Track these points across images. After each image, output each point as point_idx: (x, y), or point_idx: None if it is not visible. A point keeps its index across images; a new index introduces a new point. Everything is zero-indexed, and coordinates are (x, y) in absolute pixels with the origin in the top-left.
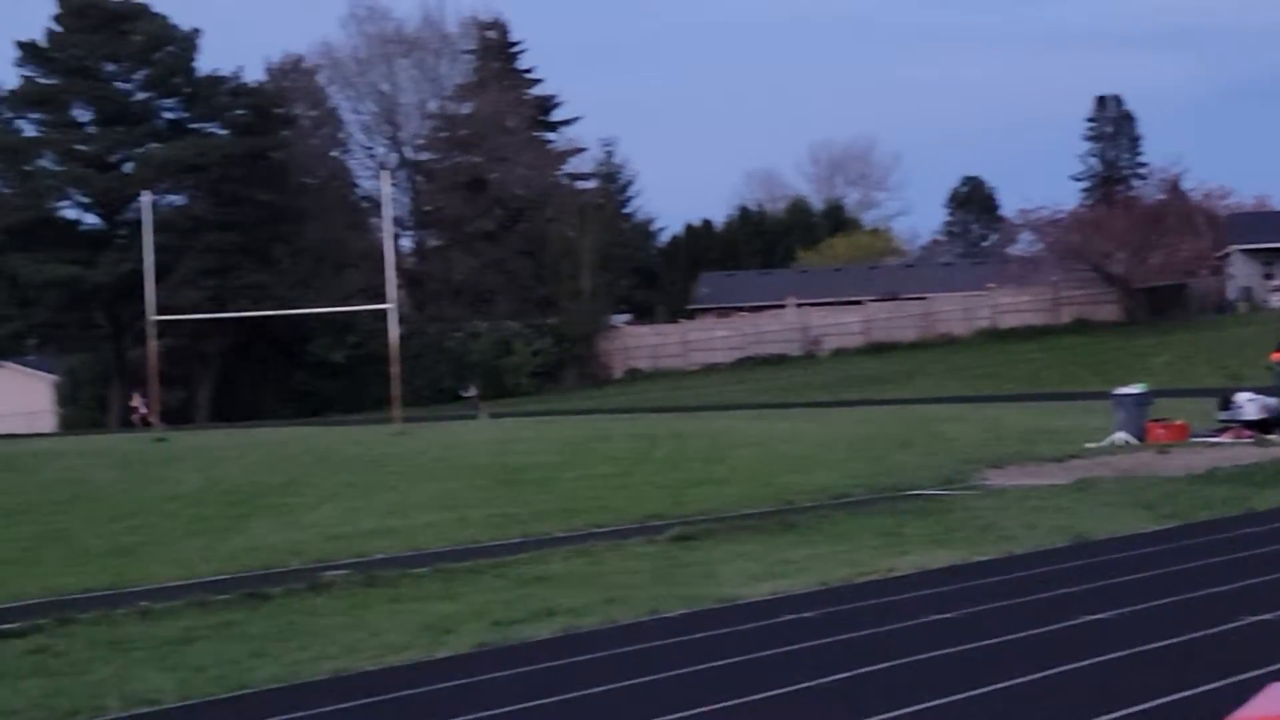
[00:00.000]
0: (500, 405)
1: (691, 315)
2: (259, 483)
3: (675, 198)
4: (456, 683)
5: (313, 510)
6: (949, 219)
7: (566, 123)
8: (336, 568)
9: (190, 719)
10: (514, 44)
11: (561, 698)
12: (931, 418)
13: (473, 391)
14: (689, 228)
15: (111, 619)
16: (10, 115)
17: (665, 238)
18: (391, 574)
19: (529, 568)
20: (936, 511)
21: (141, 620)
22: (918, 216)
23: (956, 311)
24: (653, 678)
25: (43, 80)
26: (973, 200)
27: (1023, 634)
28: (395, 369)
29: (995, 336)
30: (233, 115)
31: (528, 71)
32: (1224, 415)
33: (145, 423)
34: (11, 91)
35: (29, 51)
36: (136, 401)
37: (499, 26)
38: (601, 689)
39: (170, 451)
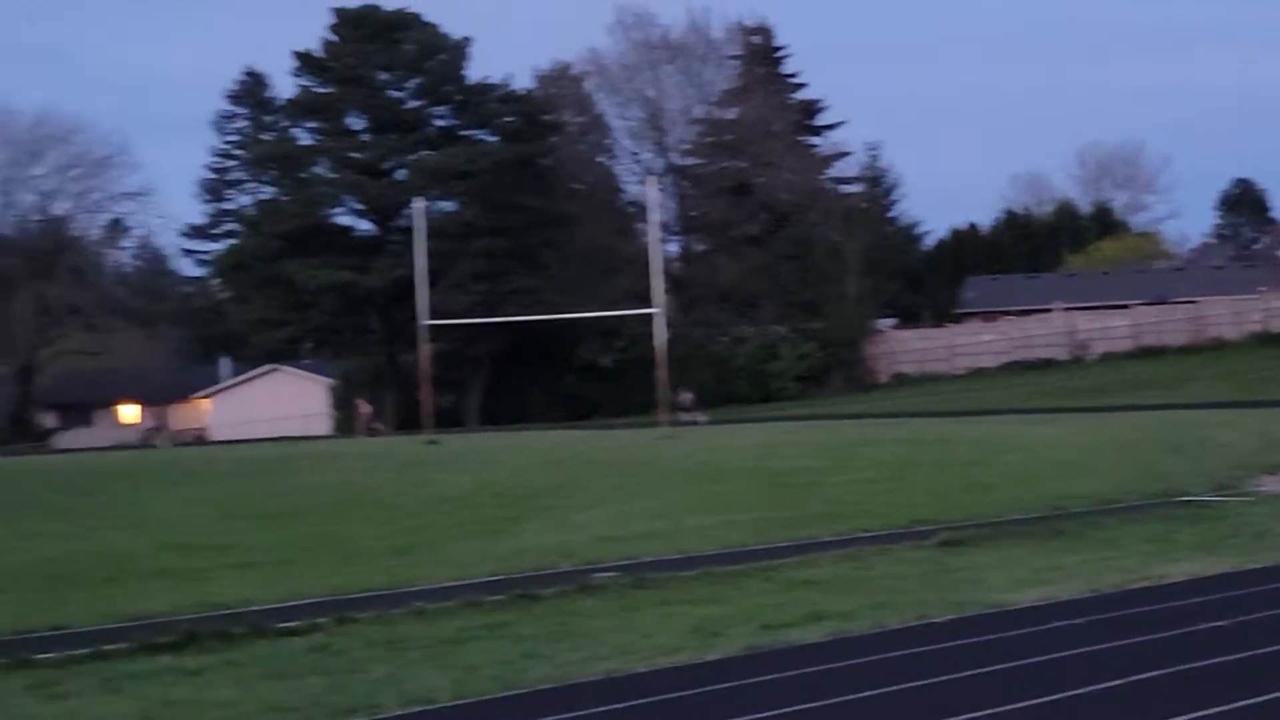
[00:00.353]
0: (765, 410)
1: (957, 319)
2: (529, 485)
3: (941, 201)
4: (726, 685)
5: (582, 513)
6: (1219, 222)
7: (831, 127)
8: (606, 570)
9: (465, 718)
10: (779, 49)
11: (830, 701)
12: (1202, 423)
13: (687, 397)
14: (955, 232)
15: (388, 619)
16: (287, 124)
17: (931, 242)
18: (660, 576)
19: (796, 571)
20: (1208, 518)
21: (417, 620)
22: (1187, 219)
23: (1227, 315)
24: (921, 683)
25: (318, 90)
26: (1244, 203)
27: None
28: (662, 373)
29: (1267, 341)
30: (502, 122)
31: (792, 76)
32: None
33: (372, 431)
34: (289, 101)
35: (306, 61)
36: (363, 409)
37: (764, 32)
38: (870, 693)
39: (442, 454)
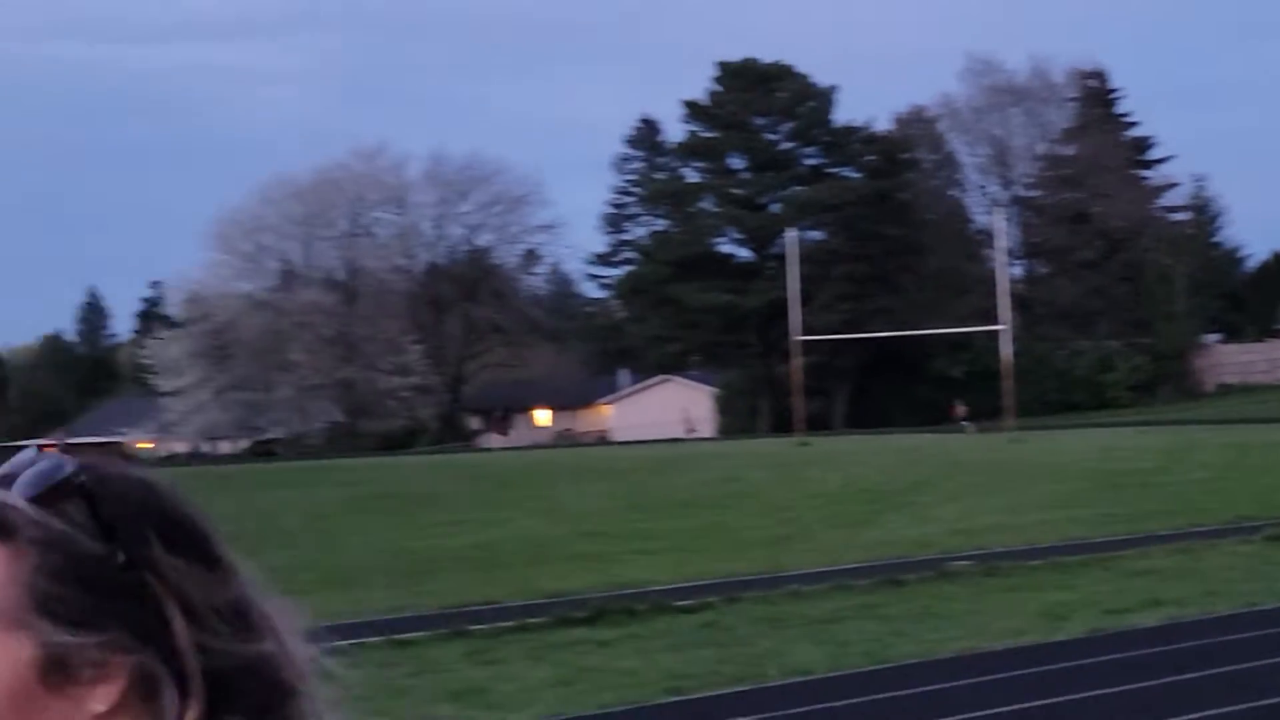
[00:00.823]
0: (1100, 416)
1: (1277, 335)
2: (890, 482)
3: (1262, 227)
4: (1071, 664)
5: (938, 507)
6: None
7: (1161, 161)
8: (960, 559)
9: (838, 688)
10: (1113, 90)
11: (1166, 680)
12: None
13: (963, 410)
14: (1275, 254)
15: (769, 599)
16: (677, 165)
17: (1253, 264)
18: (1008, 565)
19: (1133, 562)
20: None
21: (794, 600)
22: None
23: None
24: (1251, 665)
25: (704, 134)
26: None
27: None
28: (1008, 383)
29: None
30: (865, 161)
31: (1125, 116)
32: None
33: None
34: (679, 144)
35: (693, 110)
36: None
37: (1099, 75)
38: (1203, 674)
39: (812, 455)
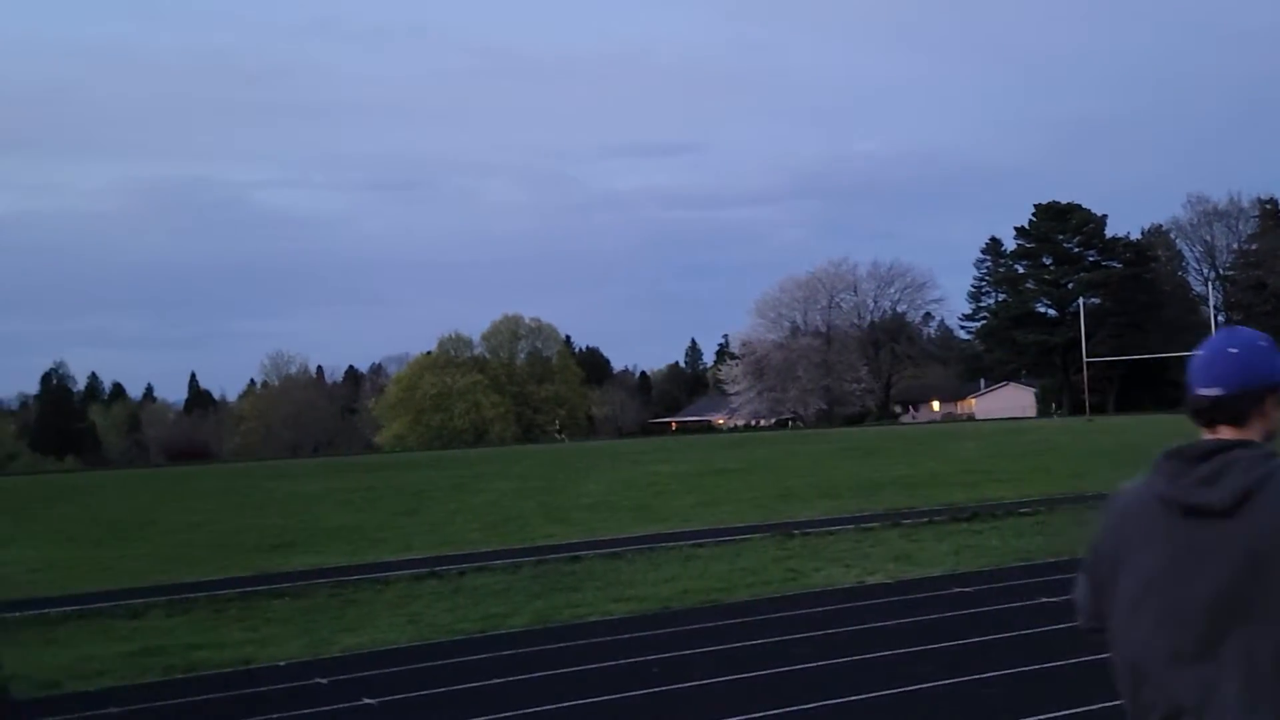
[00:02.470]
0: None
1: None
2: (1149, 443)
3: None
4: None
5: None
6: None
7: None
8: None
9: None
10: None
11: None
12: None
13: None
14: None
15: (1074, 509)
16: (1011, 263)
17: None
18: None
19: None
20: None
21: (1089, 510)
22: None
23: None
24: None
25: (1027, 245)
26: None
27: None
28: None
29: None
30: (1124, 257)
31: None
32: None
33: None
34: (1012, 250)
35: (1020, 231)
36: None
37: (1273, 200)
38: None
39: (1095, 428)
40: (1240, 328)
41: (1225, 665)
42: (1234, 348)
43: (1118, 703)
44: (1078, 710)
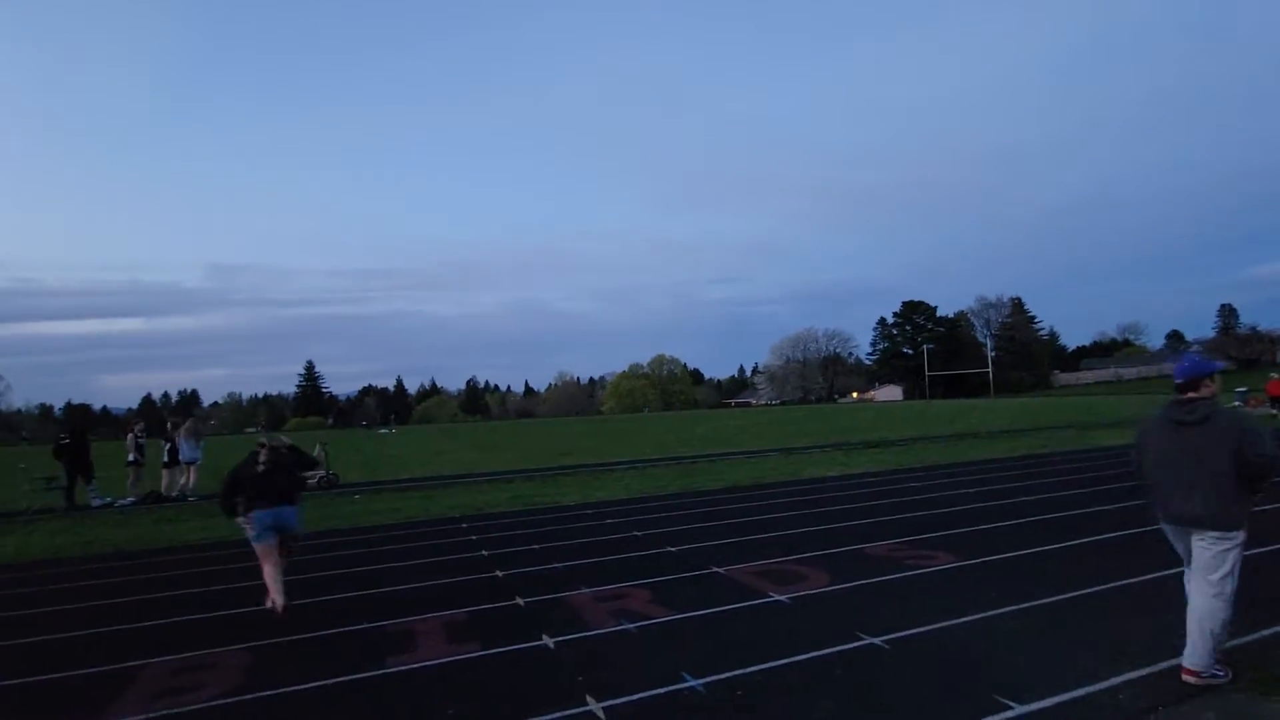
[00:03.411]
0: None
1: None
2: (956, 414)
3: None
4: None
5: None
6: None
7: (1038, 321)
8: None
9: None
10: (1024, 304)
11: None
12: None
13: None
14: None
15: (926, 444)
16: (892, 329)
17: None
18: None
19: None
20: None
21: (928, 443)
22: None
23: None
24: None
25: (899, 321)
26: None
27: None
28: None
29: None
30: (937, 324)
31: (1029, 311)
32: None
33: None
34: (891, 323)
35: (896, 315)
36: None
37: (1019, 299)
38: None
39: (933, 407)
40: (1191, 353)
41: (1196, 481)
42: (1187, 361)
43: (945, 533)
44: (931, 534)
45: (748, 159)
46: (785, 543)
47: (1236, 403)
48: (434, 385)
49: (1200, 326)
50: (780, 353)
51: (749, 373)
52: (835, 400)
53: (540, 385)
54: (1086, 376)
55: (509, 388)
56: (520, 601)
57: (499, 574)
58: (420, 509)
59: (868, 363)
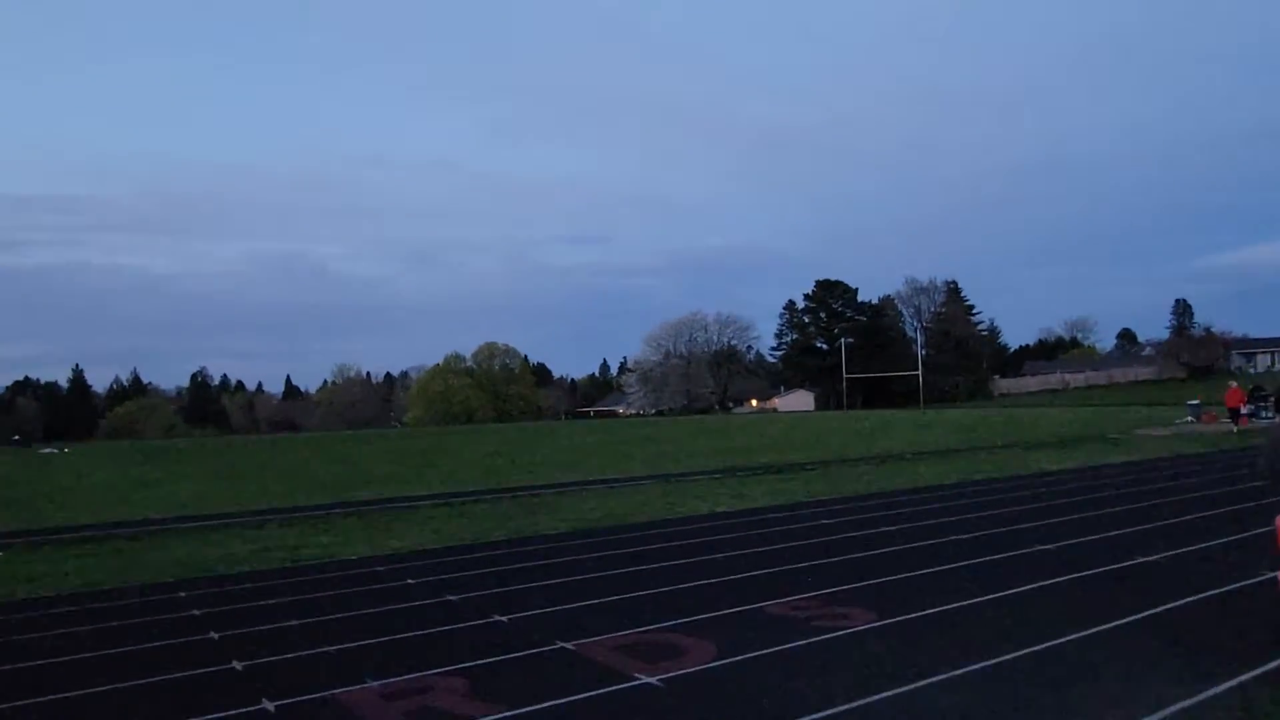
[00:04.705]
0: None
1: None
2: (877, 427)
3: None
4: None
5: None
6: None
7: (977, 312)
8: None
9: (875, 500)
10: (959, 286)
11: None
12: None
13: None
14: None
15: (829, 468)
16: (801, 315)
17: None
18: None
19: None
20: None
21: (842, 466)
22: None
23: None
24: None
25: (810, 305)
26: None
27: None
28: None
29: None
30: (868, 313)
31: (966, 299)
32: None
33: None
34: (801, 308)
35: (807, 297)
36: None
37: (954, 281)
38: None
39: (851, 418)
40: None
41: None
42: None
43: (864, 583)
44: (847, 587)
45: (612, 74)
46: (658, 603)
47: (1189, 418)
48: (137, 380)
49: (1153, 324)
50: (657, 344)
51: (614, 370)
52: (729, 410)
53: (310, 384)
54: (1030, 383)
55: (260, 386)
56: (269, 706)
57: (237, 665)
58: (111, 572)
59: (771, 360)
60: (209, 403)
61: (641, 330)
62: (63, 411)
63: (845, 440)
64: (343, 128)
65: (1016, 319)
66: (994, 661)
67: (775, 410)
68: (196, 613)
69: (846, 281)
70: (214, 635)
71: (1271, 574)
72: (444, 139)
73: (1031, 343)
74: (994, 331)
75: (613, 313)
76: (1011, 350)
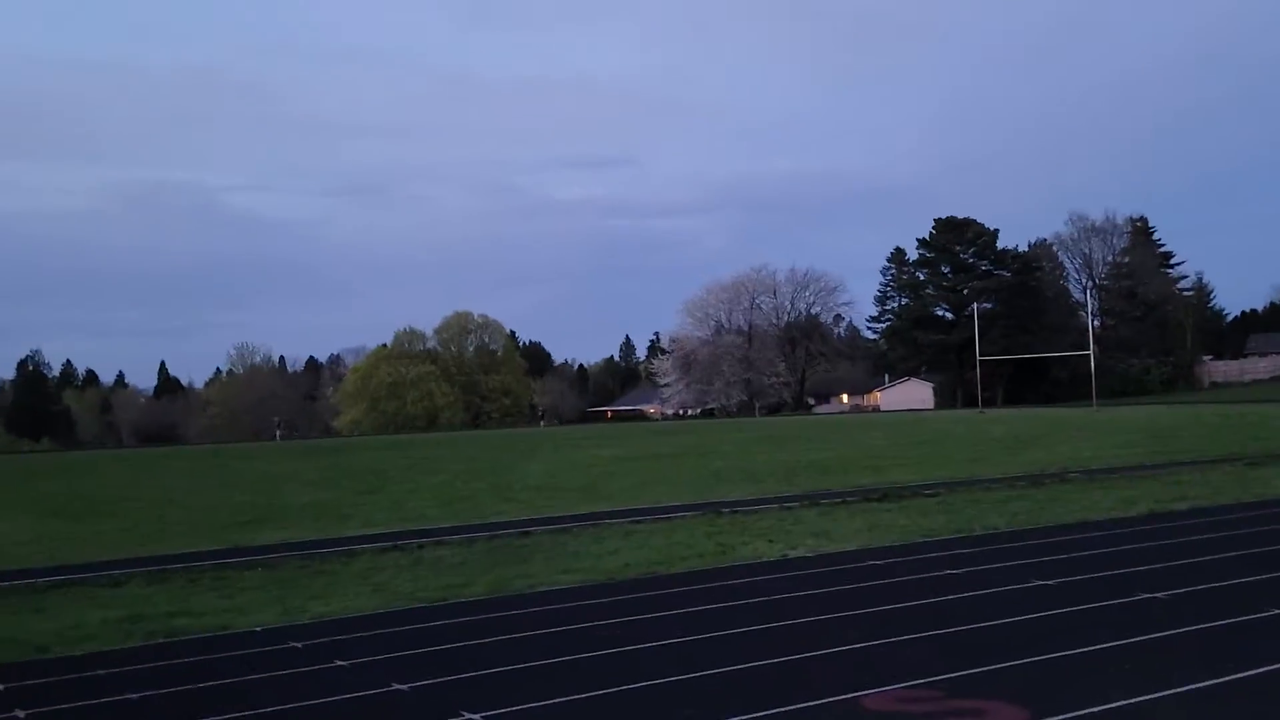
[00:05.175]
0: (1141, 399)
1: (1244, 356)
2: (1031, 432)
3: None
4: (1141, 529)
5: (1062, 446)
6: None
7: (1179, 263)
8: (1074, 472)
9: (1013, 538)
10: (1151, 226)
11: (1199, 543)
12: None
13: None
14: (1243, 312)
15: (970, 491)
16: (913, 270)
17: (1231, 315)
18: (1101, 476)
19: (1173, 476)
20: None
21: (983, 490)
22: None
23: None
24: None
25: (927, 255)
26: None
27: None
28: (1091, 382)
29: None
30: (1012, 267)
31: (1160, 241)
32: None
33: None
34: (914, 260)
35: (922, 243)
36: None
37: (1143, 218)
38: (1204, 538)
39: (987, 419)
40: None
41: None
42: None
43: (1004, 664)
44: (979, 669)
45: None
46: (699, 694)
47: None
48: None
49: None
50: (704, 315)
51: (641, 353)
52: (809, 408)
53: (196, 375)
54: (1257, 367)
55: (121, 379)
56: None
57: None
58: None
59: (870, 335)
60: (44, 402)
61: (680, 295)
62: None
63: (979, 451)
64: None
65: (1237, 275)
66: None
67: (876, 409)
68: (20, 715)
69: (980, 221)
70: None
71: None
72: (396, 21)
73: (1260, 307)
74: (1203, 292)
75: (638, 269)
76: (1230, 319)
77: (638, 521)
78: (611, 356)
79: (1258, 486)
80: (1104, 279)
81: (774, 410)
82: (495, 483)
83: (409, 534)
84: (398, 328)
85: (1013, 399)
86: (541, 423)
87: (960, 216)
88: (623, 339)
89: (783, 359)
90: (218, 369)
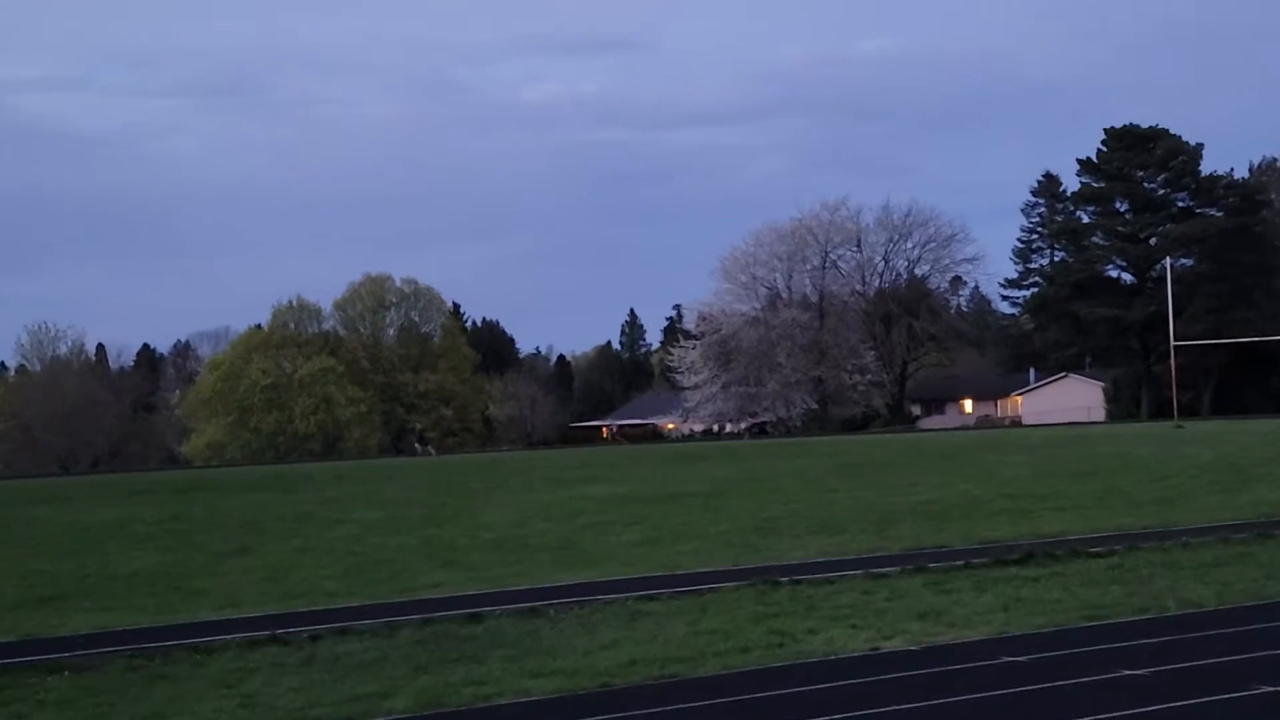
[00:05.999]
0: None
1: None
2: (1256, 457)
3: None
4: None
5: None
6: None
7: None
8: None
9: (1226, 619)
10: None
11: None
12: None
13: None
14: None
15: (1161, 548)
16: (1072, 209)
17: None
18: None
19: None
20: None
21: (1184, 550)
22: None
23: None
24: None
25: (1095, 184)
26: None
27: None
28: None
29: None
30: (1226, 202)
31: None
32: None
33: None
34: (1074, 193)
35: (1086, 166)
36: None
37: None
38: None
39: (1187, 436)
40: None
41: None
42: None
43: None
44: None
45: None
46: None
47: None
48: None
49: None
50: (750, 278)
51: (654, 339)
52: (912, 421)
53: None
54: None
55: None
56: None
57: None
58: None
59: (1006, 308)
60: None
61: (713, 250)
62: None
63: (1175, 487)
64: None
65: None
66: None
67: (1016, 422)
68: None
69: (1175, 132)
70: None
71: None
72: None
73: None
74: None
75: (647, 210)
76: None
77: (648, 597)
78: (608, 344)
79: None
80: None
81: (859, 425)
82: (430, 538)
83: (296, 617)
84: (278, 301)
85: (1225, 405)
86: (430, 450)
87: (1145, 126)
88: (625, 317)
89: (872, 346)
90: (2, 365)
